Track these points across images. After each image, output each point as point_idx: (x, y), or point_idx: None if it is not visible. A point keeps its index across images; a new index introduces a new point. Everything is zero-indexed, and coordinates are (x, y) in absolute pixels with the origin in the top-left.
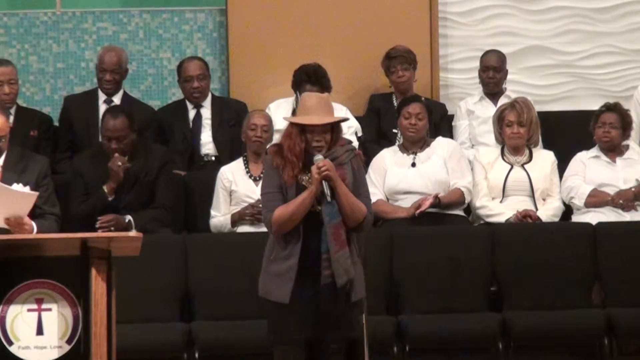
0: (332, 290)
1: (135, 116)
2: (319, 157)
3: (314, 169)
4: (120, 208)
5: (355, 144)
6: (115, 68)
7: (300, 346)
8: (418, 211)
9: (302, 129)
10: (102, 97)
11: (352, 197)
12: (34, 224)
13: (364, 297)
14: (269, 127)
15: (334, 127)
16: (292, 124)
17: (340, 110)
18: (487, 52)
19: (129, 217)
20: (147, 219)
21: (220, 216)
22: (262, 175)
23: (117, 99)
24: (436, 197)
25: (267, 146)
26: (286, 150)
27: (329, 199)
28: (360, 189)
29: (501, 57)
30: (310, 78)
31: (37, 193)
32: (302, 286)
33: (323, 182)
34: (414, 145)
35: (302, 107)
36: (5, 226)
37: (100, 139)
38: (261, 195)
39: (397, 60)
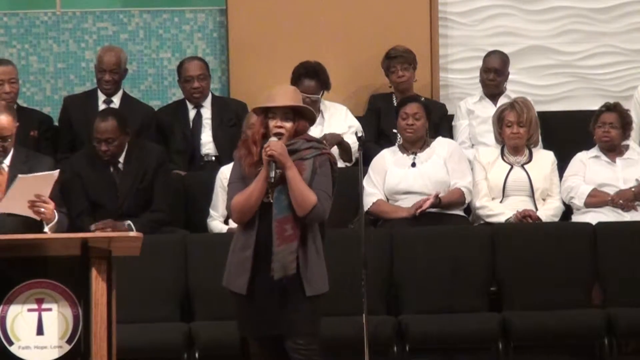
0: (283, 283)
1: (127, 118)
2: (272, 139)
3: (264, 149)
4: (118, 213)
5: (355, 144)
6: (114, 68)
7: (261, 341)
8: (419, 211)
9: (265, 116)
10: (101, 97)
11: (303, 184)
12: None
13: (322, 293)
14: None
15: (298, 117)
16: (257, 113)
17: (340, 110)
18: (490, 53)
19: (128, 222)
20: (146, 223)
21: (218, 218)
22: None
23: (116, 99)
24: (437, 196)
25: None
26: (248, 137)
27: (271, 180)
28: (316, 185)
29: (504, 60)
30: (308, 71)
31: (57, 171)
32: (259, 277)
33: (270, 164)
34: (414, 145)
35: (267, 95)
36: (31, 214)
37: None
38: (226, 185)
39: (397, 60)
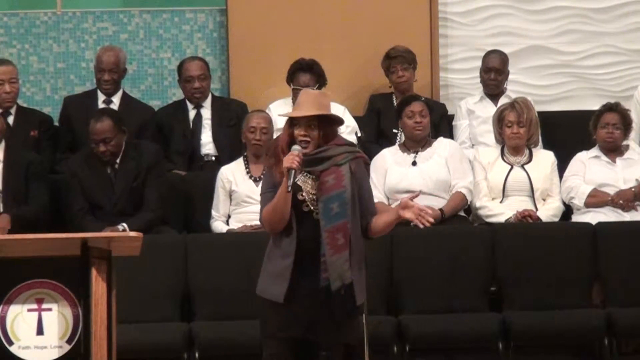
0: (329, 293)
1: (122, 117)
2: (295, 148)
3: (285, 158)
4: (112, 213)
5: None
6: (114, 68)
7: (286, 342)
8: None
9: (290, 124)
10: (101, 97)
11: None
12: None
13: (364, 301)
14: (268, 128)
15: (323, 124)
16: (287, 121)
17: (338, 110)
18: (489, 53)
19: (123, 226)
20: (140, 223)
21: (220, 219)
22: (262, 175)
23: (116, 99)
24: (440, 211)
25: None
26: (276, 145)
27: (289, 190)
28: (364, 194)
29: (504, 59)
30: (303, 66)
31: None
32: (298, 285)
33: (290, 172)
34: (416, 144)
35: (296, 103)
36: None
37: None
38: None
39: (397, 60)
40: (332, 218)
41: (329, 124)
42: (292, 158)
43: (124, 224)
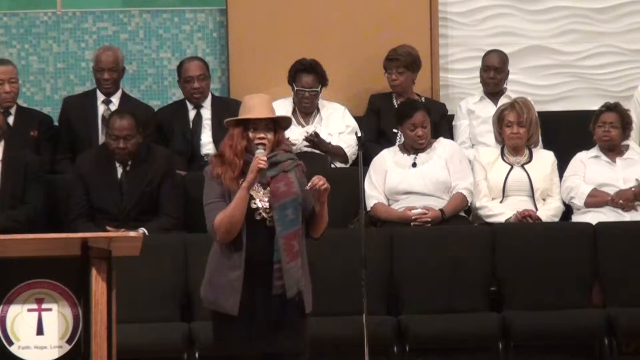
0: (283, 301)
1: (141, 121)
2: (260, 151)
3: (254, 160)
4: (121, 217)
5: (355, 143)
6: (113, 66)
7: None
8: (415, 223)
9: (244, 128)
10: (100, 97)
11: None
12: None
13: (310, 310)
14: None
15: (277, 129)
16: (234, 125)
17: (338, 110)
18: (489, 52)
19: (143, 230)
20: (156, 229)
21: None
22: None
23: (115, 99)
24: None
25: (209, 158)
26: (228, 152)
27: (254, 192)
28: (306, 198)
29: (503, 58)
30: (305, 67)
31: None
32: (249, 296)
33: (262, 172)
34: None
35: (243, 107)
36: None
37: (99, 141)
38: (204, 207)
39: (393, 63)
40: (288, 225)
41: (281, 128)
42: (260, 159)
43: (143, 229)
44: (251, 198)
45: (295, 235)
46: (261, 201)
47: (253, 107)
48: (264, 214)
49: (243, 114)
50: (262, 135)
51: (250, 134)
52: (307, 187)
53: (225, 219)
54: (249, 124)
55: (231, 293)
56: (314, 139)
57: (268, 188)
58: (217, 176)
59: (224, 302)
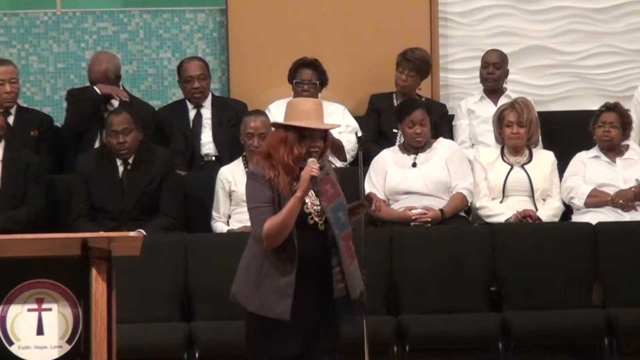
0: (344, 302)
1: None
2: (312, 159)
3: (306, 168)
4: (121, 216)
5: (354, 142)
6: (104, 80)
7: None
8: (415, 223)
9: (300, 134)
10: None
11: None
12: None
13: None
14: (266, 131)
15: (325, 136)
16: (286, 129)
17: (338, 110)
18: (488, 51)
19: (143, 233)
20: (156, 229)
21: (220, 219)
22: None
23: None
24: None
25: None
26: (282, 156)
27: (313, 198)
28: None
29: (502, 56)
30: (305, 62)
31: None
32: (301, 301)
33: (314, 179)
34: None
35: (298, 111)
36: None
37: (99, 141)
38: (249, 210)
39: (408, 64)
40: (342, 226)
41: (329, 136)
42: (313, 168)
43: (142, 231)
44: (303, 202)
45: (349, 236)
46: (313, 205)
47: (309, 114)
48: (316, 219)
49: (297, 119)
50: (317, 144)
51: (308, 142)
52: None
53: (276, 226)
54: (304, 131)
55: (283, 298)
56: None
57: (316, 192)
58: (270, 180)
59: (275, 306)
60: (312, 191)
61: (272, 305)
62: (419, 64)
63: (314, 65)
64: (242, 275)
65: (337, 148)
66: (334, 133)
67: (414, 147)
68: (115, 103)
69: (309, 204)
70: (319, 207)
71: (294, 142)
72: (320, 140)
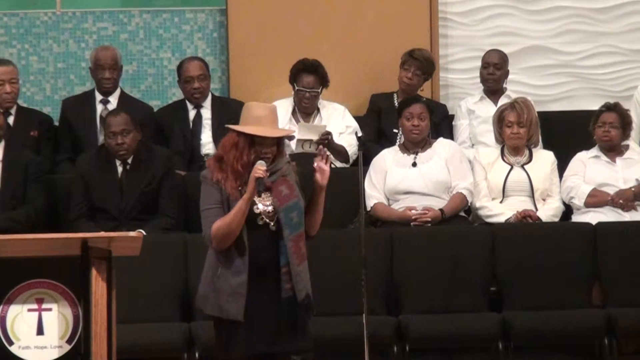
0: (291, 303)
1: (135, 117)
2: (261, 162)
3: (253, 170)
4: (120, 216)
5: (355, 143)
6: (113, 64)
7: None
8: (415, 222)
9: (251, 140)
10: (98, 97)
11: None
12: None
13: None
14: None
15: (280, 140)
16: (238, 134)
17: (338, 110)
18: (488, 51)
19: (143, 233)
20: (156, 229)
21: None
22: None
23: (113, 99)
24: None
25: (206, 159)
26: (231, 160)
27: (255, 197)
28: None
29: (503, 56)
30: (307, 67)
31: None
32: (254, 301)
33: (258, 180)
34: (416, 145)
35: (250, 116)
36: None
37: (98, 141)
38: (201, 212)
39: (415, 62)
40: (294, 227)
41: (283, 141)
42: (259, 169)
43: (142, 231)
44: (253, 203)
45: (301, 237)
46: (263, 205)
47: (261, 120)
48: (266, 219)
49: (249, 124)
50: (268, 150)
51: (257, 148)
52: (315, 164)
53: (223, 228)
54: (255, 137)
55: (235, 298)
56: (327, 138)
57: (269, 192)
58: (217, 182)
59: (229, 307)
60: (267, 192)
61: (226, 306)
62: (425, 63)
63: (315, 70)
64: (202, 280)
65: (339, 154)
66: (335, 137)
67: (413, 145)
68: (114, 102)
69: (260, 205)
70: (271, 208)
71: (244, 147)
72: (272, 146)
